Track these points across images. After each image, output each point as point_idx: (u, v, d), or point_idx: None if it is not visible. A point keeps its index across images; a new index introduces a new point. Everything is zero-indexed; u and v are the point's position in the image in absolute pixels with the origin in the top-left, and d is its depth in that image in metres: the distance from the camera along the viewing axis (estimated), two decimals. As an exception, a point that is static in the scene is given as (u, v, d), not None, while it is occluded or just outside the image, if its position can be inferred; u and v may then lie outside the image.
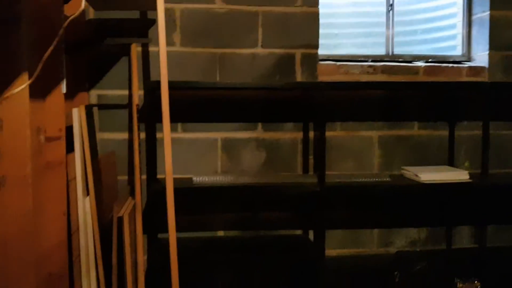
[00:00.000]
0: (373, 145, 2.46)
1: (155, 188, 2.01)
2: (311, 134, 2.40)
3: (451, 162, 2.47)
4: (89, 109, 2.01)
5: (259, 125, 2.38)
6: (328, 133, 2.35)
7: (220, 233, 2.37)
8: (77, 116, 1.74)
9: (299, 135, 2.41)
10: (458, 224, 2.49)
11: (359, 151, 2.45)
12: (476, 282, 1.86)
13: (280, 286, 2.30)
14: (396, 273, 2.05)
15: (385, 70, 2.44)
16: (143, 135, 2.19)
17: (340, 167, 2.44)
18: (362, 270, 2.24)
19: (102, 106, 2.27)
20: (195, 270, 2.27)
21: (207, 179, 2.10)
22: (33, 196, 1.27)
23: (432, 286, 1.86)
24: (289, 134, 2.40)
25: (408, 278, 1.94)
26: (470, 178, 2.17)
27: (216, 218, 2.35)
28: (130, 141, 2.27)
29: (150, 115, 2.05)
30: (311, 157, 2.41)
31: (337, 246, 2.44)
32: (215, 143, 2.34)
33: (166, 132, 1.72)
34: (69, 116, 1.77)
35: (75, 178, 1.76)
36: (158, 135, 2.21)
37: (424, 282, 1.90)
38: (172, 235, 1.68)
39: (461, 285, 1.84)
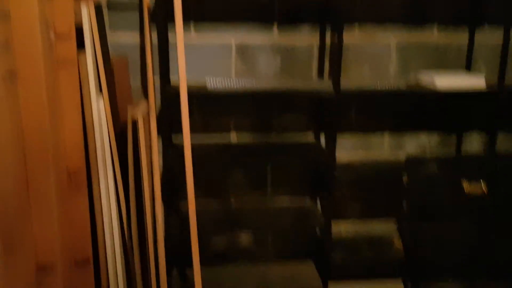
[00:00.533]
0: (391, 50, 2.38)
1: (169, 90, 2.01)
2: (328, 39, 2.33)
3: (469, 68, 2.40)
4: (98, 8, 1.95)
5: (275, 27, 2.30)
6: (345, 37, 2.27)
7: (234, 139, 2.40)
8: (86, 12, 1.69)
9: (316, 39, 2.33)
10: (469, 130, 2.49)
11: (376, 56, 2.38)
12: (482, 184, 1.90)
13: (290, 182, 2.39)
14: (405, 177, 2.09)
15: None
16: (154, 37, 2.14)
17: (356, 73, 2.39)
18: (372, 174, 2.29)
19: (112, 6, 2.19)
20: (209, 172, 2.36)
21: (221, 83, 2.08)
22: (46, 92, 1.28)
23: (440, 189, 1.91)
24: (305, 38, 2.32)
25: (417, 182, 1.99)
26: (486, 85, 2.12)
27: (230, 121, 2.37)
28: (142, 42, 2.23)
29: (161, 13, 1.99)
30: (327, 62, 2.36)
31: (349, 151, 2.48)
32: (229, 46, 2.29)
33: (179, 33, 1.68)
34: (78, 15, 1.72)
35: (87, 77, 1.75)
36: (171, 37, 2.16)
37: (433, 185, 1.94)
38: (187, 137, 1.71)
39: (467, 185, 1.88)
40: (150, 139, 1.98)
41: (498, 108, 2.15)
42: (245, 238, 2.48)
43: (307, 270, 2.35)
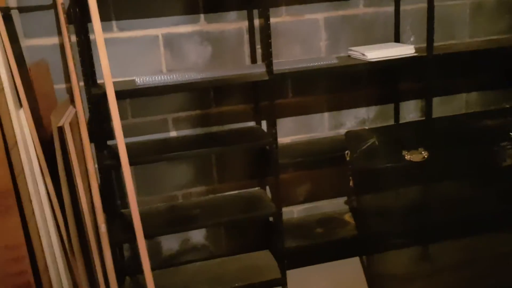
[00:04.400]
0: (320, 28, 2.38)
1: (95, 93, 1.90)
2: (257, 22, 2.29)
3: (397, 38, 2.45)
4: (6, 12, 1.80)
5: (202, 16, 2.24)
6: (273, 20, 2.25)
7: (173, 133, 2.33)
8: (-10, 19, 1.55)
9: (244, 24, 2.29)
10: (405, 99, 2.56)
11: (306, 36, 2.38)
12: (421, 150, 1.94)
13: (236, 172, 2.35)
14: (346, 151, 2.11)
15: None
16: (74, 38, 2.01)
17: (288, 54, 2.37)
18: (315, 153, 2.29)
19: (22, 9, 2.04)
20: (150, 170, 2.27)
21: (151, 79, 2.00)
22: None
23: (381, 159, 1.93)
24: (234, 24, 2.27)
25: (358, 155, 2.00)
26: (415, 52, 2.17)
27: (166, 118, 2.30)
28: (62, 46, 2.09)
29: (78, 15, 1.87)
30: (258, 46, 2.32)
31: (291, 133, 2.47)
32: (156, 40, 2.20)
33: (98, 31, 1.59)
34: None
35: (3, 90, 1.62)
36: (92, 36, 2.04)
37: (374, 156, 1.96)
38: (120, 138, 1.63)
39: (407, 154, 1.92)
40: (82, 146, 1.87)
41: (429, 72, 2.20)
42: (197, 235, 2.43)
43: (265, 260, 2.34)
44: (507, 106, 2.65)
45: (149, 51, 2.20)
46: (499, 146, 1.99)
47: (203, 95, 2.31)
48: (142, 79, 1.99)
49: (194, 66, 2.26)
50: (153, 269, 1.84)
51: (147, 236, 1.77)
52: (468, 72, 2.63)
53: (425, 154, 1.92)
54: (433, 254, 2.12)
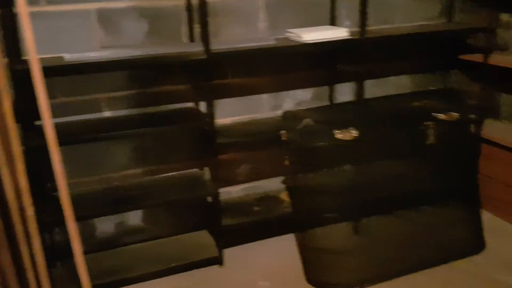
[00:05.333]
0: (259, 9, 2.38)
1: (19, 68, 1.79)
2: (195, 0, 2.25)
3: (334, 22, 2.50)
4: None
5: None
6: (212, -1, 2.23)
7: (107, 114, 2.26)
8: None
9: (183, 1, 2.24)
10: (340, 81, 2.62)
11: (246, 16, 2.37)
12: (351, 130, 2.01)
13: (175, 152, 2.33)
14: (282, 131, 2.15)
15: None
16: None
17: (228, 34, 2.36)
18: (254, 133, 2.31)
19: None
20: (85, 148, 2.20)
21: (81, 56, 1.91)
22: None
23: (315, 138, 1.99)
24: (171, 1, 2.22)
25: (294, 134, 2.05)
26: (350, 35, 2.22)
27: (99, 97, 2.21)
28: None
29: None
30: (197, 25, 2.29)
31: (231, 114, 2.47)
32: (89, 15, 2.10)
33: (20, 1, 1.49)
34: None
35: None
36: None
37: (308, 136, 2.01)
38: (47, 116, 1.55)
39: (338, 133, 1.99)
40: (5, 126, 1.77)
41: (362, 55, 2.27)
42: (134, 217, 2.39)
43: (203, 240, 2.35)
44: (432, 88, 2.79)
45: (81, 27, 2.10)
46: (423, 125, 2.10)
47: (139, 74, 2.25)
48: (72, 56, 1.90)
49: (129, 44, 2.19)
50: (87, 252, 1.79)
51: (78, 218, 1.71)
52: (400, 56, 2.74)
53: (355, 133, 1.99)
54: (364, 228, 2.22)
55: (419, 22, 2.72)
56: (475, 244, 2.33)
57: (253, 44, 2.15)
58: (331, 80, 2.60)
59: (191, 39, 2.29)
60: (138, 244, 2.35)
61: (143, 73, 2.25)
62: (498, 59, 2.55)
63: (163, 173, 2.39)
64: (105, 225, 2.35)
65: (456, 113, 2.21)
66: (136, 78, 2.24)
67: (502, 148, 2.52)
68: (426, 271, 2.18)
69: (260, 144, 2.41)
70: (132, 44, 2.19)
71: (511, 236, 2.47)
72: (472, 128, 2.55)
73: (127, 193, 2.18)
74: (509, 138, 2.55)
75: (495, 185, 2.57)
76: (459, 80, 2.86)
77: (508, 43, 2.73)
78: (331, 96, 2.62)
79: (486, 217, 2.57)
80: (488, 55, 2.54)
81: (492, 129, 2.67)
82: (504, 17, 2.73)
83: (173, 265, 2.15)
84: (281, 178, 2.65)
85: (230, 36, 2.36)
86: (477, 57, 2.59)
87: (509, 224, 2.55)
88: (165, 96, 2.31)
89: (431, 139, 2.12)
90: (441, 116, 2.18)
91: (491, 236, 2.39)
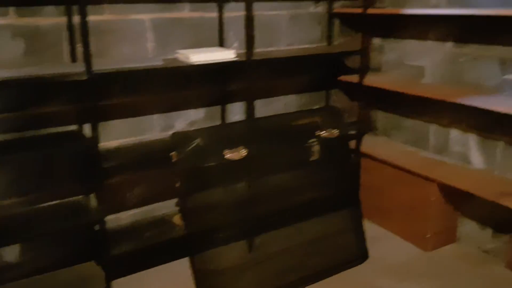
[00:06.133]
0: (147, 29, 2.35)
1: None
2: (77, 19, 2.15)
3: (222, 43, 2.56)
4: None
5: (11, 9, 2.01)
6: (96, 18, 2.15)
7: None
8: None
9: (63, 20, 2.13)
10: (231, 101, 2.68)
11: (133, 36, 2.32)
12: (241, 149, 2.06)
13: (58, 179, 2.18)
14: (173, 153, 2.12)
15: None
16: None
17: (114, 54, 2.29)
18: (144, 155, 2.26)
19: None
20: None
21: None
22: None
23: (204, 159, 1.99)
24: (50, 20, 2.10)
25: (183, 155, 2.03)
26: (237, 57, 2.29)
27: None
28: None
29: None
30: (79, 45, 2.19)
31: (119, 136, 2.39)
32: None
33: None
34: None
35: None
36: None
37: (198, 157, 2.02)
38: None
39: (228, 153, 2.02)
40: None
41: (250, 76, 2.34)
42: (11, 252, 2.17)
43: (90, 272, 2.20)
44: (316, 107, 2.98)
45: None
46: (308, 142, 2.23)
47: (15, 96, 2.08)
48: None
49: (4, 64, 2.02)
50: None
51: None
52: (285, 77, 2.89)
53: (244, 152, 2.04)
54: (258, 245, 2.27)
55: (302, 45, 2.89)
56: (359, 253, 2.49)
57: (138, 65, 2.10)
58: (221, 100, 2.65)
59: (73, 59, 2.19)
60: (16, 282, 2.13)
61: (20, 95, 2.08)
62: (371, 79, 2.80)
63: (45, 202, 2.21)
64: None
65: (336, 130, 2.37)
66: (11, 99, 2.07)
67: (378, 161, 2.75)
68: (316, 284, 2.27)
69: (151, 166, 2.36)
70: (7, 64, 2.03)
71: (391, 242, 2.69)
72: (352, 143, 2.76)
73: (3, 225, 1.98)
74: (384, 152, 2.80)
75: (374, 195, 2.80)
76: (339, 99, 3.09)
77: (380, 65, 3.03)
78: (223, 116, 2.66)
79: (368, 225, 2.78)
80: (363, 76, 2.78)
81: (369, 143, 2.92)
82: (376, 41, 3.02)
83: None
84: (174, 201, 2.61)
85: (117, 56, 2.29)
86: (354, 78, 2.82)
87: (388, 232, 2.78)
88: (45, 119, 2.17)
89: (315, 155, 2.25)
90: (324, 133, 2.33)
91: (372, 244, 2.58)
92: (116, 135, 2.37)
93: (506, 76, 2.28)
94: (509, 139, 2.36)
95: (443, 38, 2.62)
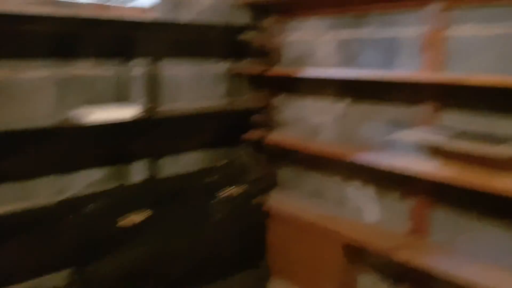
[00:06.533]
0: (45, 86, 2.23)
1: None
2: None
3: (126, 100, 2.51)
4: None
5: None
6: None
7: None
8: None
9: None
10: (135, 159, 2.60)
11: (28, 93, 2.18)
12: (138, 214, 1.98)
13: None
14: (66, 218, 1.98)
15: (52, 2, 2.19)
16: None
17: (6, 114, 2.13)
18: (33, 225, 2.05)
19: None
20: None
21: None
22: None
23: (105, 223, 1.88)
24: None
25: (79, 221, 1.90)
26: (139, 114, 2.24)
27: None
28: None
29: None
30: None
31: (8, 202, 2.17)
32: None
33: None
34: None
35: None
36: None
37: (98, 221, 1.90)
38: None
39: (121, 220, 1.92)
40: None
41: (153, 134, 2.29)
42: None
43: None
44: (222, 163, 2.98)
45: None
46: (212, 200, 2.20)
47: None
48: None
49: None
50: None
51: None
52: (190, 134, 2.87)
53: (140, 217, 1.95)
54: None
55: (207, 102, 2.93)
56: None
57: (30, 125, 1.98)
58: (123, 158, 2.55)
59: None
60: None
61: None
62: (273, 136, 2.89)
63: None
64: None
65: (240, 187, 2.38)
66: None
67: (282, 216, 2.76)
68: None
69: (36, 236, 2.13)
70: None
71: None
72: (257, 199, 2.78)
73: None
74: (287, 207, 2.82)
75: (281, 251, 2.77)
76: (246, 154, 3.14)
77: (284, 121, 3.14)
78: (125, 176, 2.56)
79: (278, 283, 2.74)
80: (266, 133, 2.86)
81: (274, 199, 2.95)
82: (280, 98, 3.15)
83: None
84: (66, 271, 2.38)
85: (7, 117, 2.13)
86: (258, 134, 2.89)
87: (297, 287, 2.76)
88: None
89: (218, 214, 2.22)
90: (227, 191, 2.33)
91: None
92: (7, 200, 2.16)
93: (392, 135, 2.44)
94: (400, 193, 2.50)
95: (340, 96, 2.79)
